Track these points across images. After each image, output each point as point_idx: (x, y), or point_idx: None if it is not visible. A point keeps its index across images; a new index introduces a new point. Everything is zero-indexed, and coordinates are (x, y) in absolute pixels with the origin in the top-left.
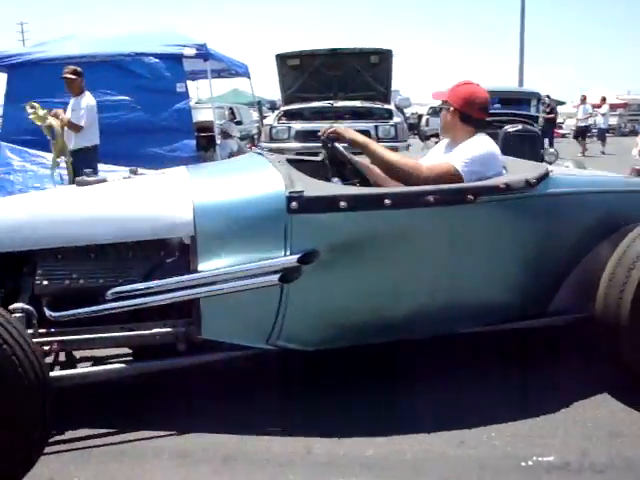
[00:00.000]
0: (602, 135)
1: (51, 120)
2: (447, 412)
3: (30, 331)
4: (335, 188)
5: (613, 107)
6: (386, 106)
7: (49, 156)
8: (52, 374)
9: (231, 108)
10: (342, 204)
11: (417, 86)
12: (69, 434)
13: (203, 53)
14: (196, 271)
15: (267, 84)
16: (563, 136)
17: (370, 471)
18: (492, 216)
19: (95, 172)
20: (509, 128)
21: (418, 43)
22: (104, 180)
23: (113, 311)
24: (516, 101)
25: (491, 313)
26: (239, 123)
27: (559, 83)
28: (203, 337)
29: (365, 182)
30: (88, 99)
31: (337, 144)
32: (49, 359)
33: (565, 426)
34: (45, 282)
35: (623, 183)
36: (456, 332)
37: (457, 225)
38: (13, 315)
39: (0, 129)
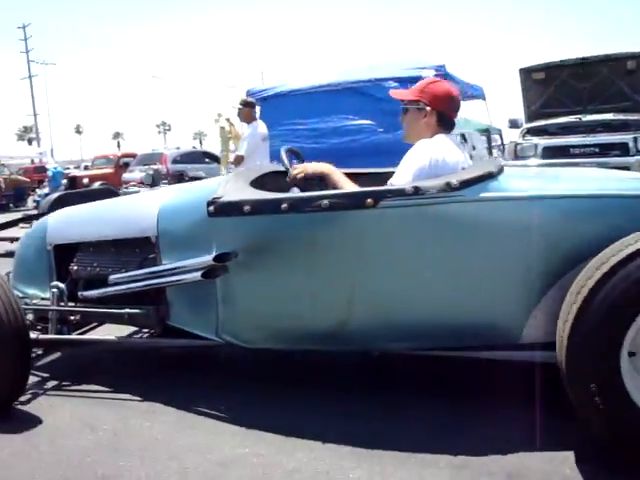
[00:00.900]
0: None
1: (224, 124)
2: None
3: (62, 303)
4: (250, 194)
5: None
6: None
7: None
8: (32, 335)
9: (462, 134)
10: (246, 208)
11: None
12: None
13: (442, 74)
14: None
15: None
16: None
17: None
18: (399, 223)
19: None
20: None
21: None
22: None
23: (112, 293)
24: None
25: (417, 335)
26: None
27: None
28: (172, 323)
29: None
30: (253, 128)
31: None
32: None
33: None
34: (75, 268)
35: (614, 187)
36: (389, 350)
37: (359, 232)
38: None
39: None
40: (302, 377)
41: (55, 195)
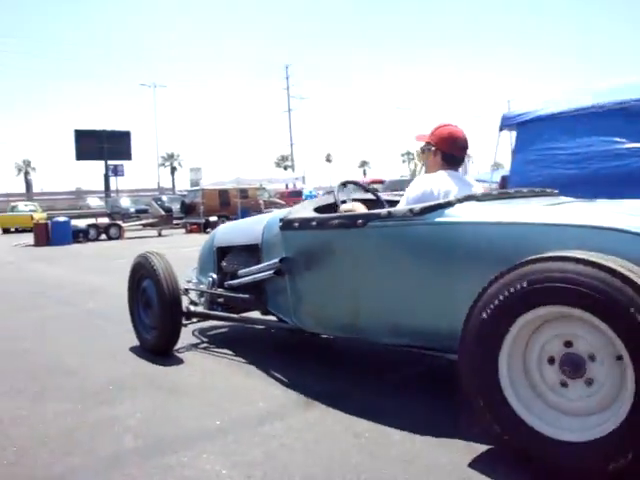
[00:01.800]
0: None
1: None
2: None
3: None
4: (305, 214)
5: None
6: None
7: None
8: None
9: None
10: (295, 224)
11: None
12: None
13: None
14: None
15: None
16: None
17: None
18: (379, 240)
19: None
20: None
21: None
22: None
23: (239, 284)
24: None
25: (399, 333)
26: None
27: None
28: (269, 309)
29: None
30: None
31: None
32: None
33: None
34: (225, 264)
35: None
36: (384, 343)
37: (354, 245)
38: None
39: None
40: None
41: None
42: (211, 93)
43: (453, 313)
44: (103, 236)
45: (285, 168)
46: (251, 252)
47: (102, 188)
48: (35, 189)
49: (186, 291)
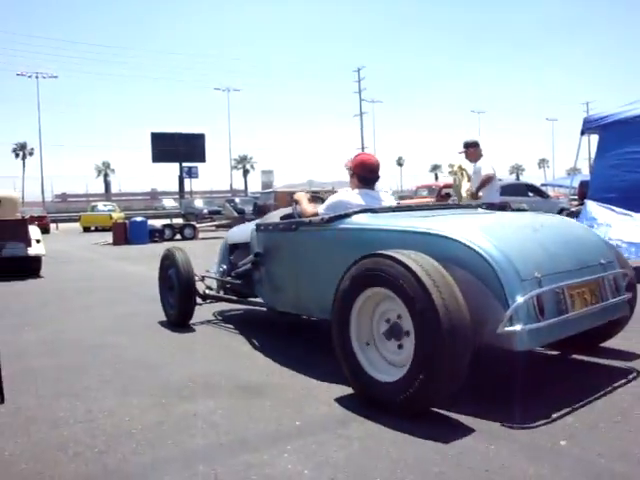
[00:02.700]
0: None
1: (457, 175)
2: None
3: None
4: (271, 219)
5: None
6: None
7: (636, 215)
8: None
9: None
10: (262, 228)
11: None
12: None
13: None
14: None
15: None
16: None
17: None
18: (304, 239)
19: None
20: None
21: None
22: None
23: (238, 273)
24: None
25: (325, 310)
26: None
27: None
28: (256, 293)
29: None
30: (478, 166)
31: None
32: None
33: None
34: (232, 257)
35: (413, 226)
36: (319, 318)
37: (291, 243)
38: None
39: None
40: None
41: None
42: (284, 96)
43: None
44: (178, 236)
45: None
46: (247, 248)
47: (176, 189)
48: (113, 190)
49: (203, 278)
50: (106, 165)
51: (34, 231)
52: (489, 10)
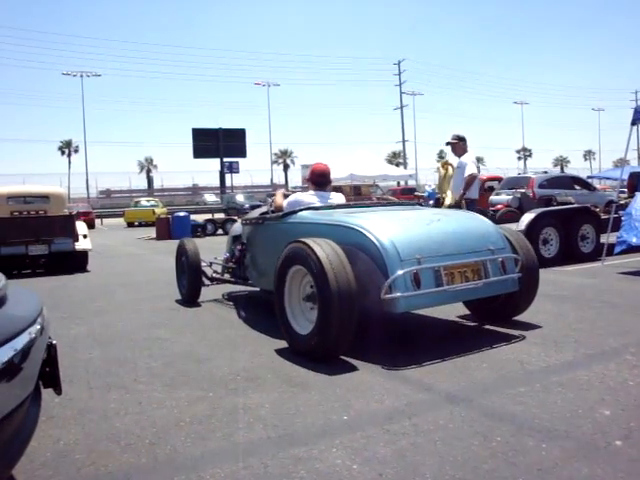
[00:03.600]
0: None
1: (439, 170)
2: None
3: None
4: (252, 215)
5: None
6: None
7: None
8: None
9: None
10: (245, 222)
11: None
12: None
13: None
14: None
15: None
16: None
17: None
18: (268, 230)
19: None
20: None
21: None
22: None
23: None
24: None
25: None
26: None
27: None
28: (247, 276)
29: None
30: (462, 161)
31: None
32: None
33: None
34: (233, 246)
35: (336, 220)
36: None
37: (260, 233)
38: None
39: None
40: None
41: None
42: (323, 90)
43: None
44: (220, 231)
45: (397, 165)
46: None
47: (217, 184)
48: (155, 185)
49: (210, 264)
50: (149, 161)
51: (81, 226)
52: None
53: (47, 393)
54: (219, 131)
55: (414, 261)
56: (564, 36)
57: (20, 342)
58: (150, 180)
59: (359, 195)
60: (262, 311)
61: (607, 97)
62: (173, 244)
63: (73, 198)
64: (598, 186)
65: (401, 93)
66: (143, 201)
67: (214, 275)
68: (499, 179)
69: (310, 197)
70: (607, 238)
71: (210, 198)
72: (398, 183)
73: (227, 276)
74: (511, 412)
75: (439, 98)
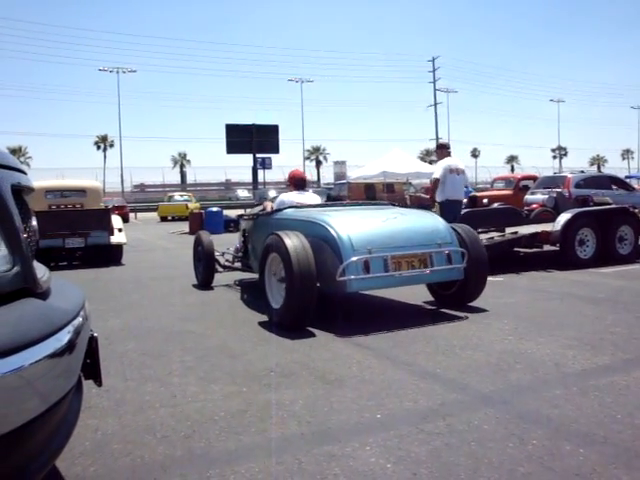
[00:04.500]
0: None
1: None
2: None
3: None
4: (251, 212)
5: None
6: None
7: None
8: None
9: None
10: (245, 217)
11: None
12: None
13: None
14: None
15: None
16: None
17: None
18: (260, 224)
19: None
20: None
21: None
22: None
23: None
24: None
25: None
26: None
27: None
28: (251, 265)
29: None
30: (442, 162)
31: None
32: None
33: None
34: (242, 239)
35: (311, 216)
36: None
37: (254, 226)
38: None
39: None
40: None
41: (462, 212)
42: (356, 87)
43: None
44: None
45: (430, 163)
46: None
47: (250, 180)
48: (188, 180)
49: (223, 254)
50: (182, 156)
51: (116, 220)
52: None
53: (85, 383)
54: (252, 127)
55: (365, 251)
56: (601, 33)
57: (65, 334)
58: (183, 175)
59: (392, 192)
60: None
61: None
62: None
63: (108, 192)
64: (636, 186)
65: (435, 90)
66: (176, 196)
67: (226, 263)
68: (534, 178)
69: (291, 197)
70: None
71: (242, 194)
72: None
73: (238, 265)
74: (547, 415)
75: (474, 96)
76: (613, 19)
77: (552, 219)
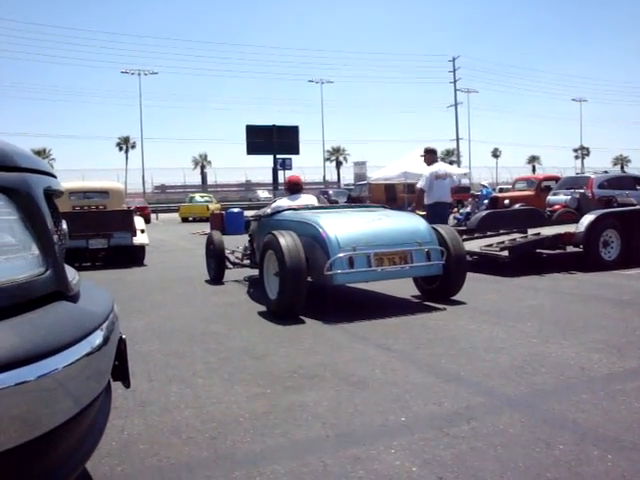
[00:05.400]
0: None
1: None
2: None
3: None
4: (255, 214)
5: None
6: None
7: None
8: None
9: None
10: (250, 218)
11: None
12: None
13: None
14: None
15: None
16: None
17: None
18: (262, 224)
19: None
20: None
21: None
22: None
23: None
24: None
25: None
26: None
27: None
28: (256, 261)
29: None
30: (430, 168)
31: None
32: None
33: None
34: (250, 240)
35: (304, 217)
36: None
37: (258, 226)
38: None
39: None
40: None
41: (484, 213)
42: (376, 88)
43: None
44: None
45: (451, 163)
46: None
47: (270, 181)
48: (209, 181)
49: (232, 252)
50: (203, 157)
51: (139, 221)
52: None
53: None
54: (273, 128)
55: (350, 248)
56: (624, 31)
57: (96, 337)
58: (204, 176)
59: (412, 193)
60: (320, 309)
61: None
62: (227, 240)
63: (129, 193)
64: None
65: (455, 90)
66: (197, 197)
67: (235, 260)
68: (556, 179)
69: (287, 201)
70: None
71: (263, 194)
72: None
73: (246, 262)
74: (573, 419)
75: (494, 95)
76: (637, 16)
77: (575, 220)
